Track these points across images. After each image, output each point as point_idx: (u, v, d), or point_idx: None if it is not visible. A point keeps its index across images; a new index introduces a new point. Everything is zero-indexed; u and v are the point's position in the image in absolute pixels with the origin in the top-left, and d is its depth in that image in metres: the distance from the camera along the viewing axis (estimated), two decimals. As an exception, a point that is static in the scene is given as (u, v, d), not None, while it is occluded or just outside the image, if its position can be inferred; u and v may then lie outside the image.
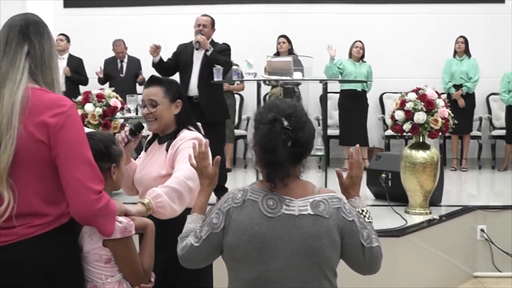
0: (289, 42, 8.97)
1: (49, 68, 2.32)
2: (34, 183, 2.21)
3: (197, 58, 6.53)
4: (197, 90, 6.46)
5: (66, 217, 2.27)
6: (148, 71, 9.35)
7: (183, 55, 6.66)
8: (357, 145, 2.50)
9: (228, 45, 6.68)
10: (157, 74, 4.66)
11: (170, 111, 3.20)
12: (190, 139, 3.01)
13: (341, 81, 8.71)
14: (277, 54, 8.83)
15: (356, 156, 2.47)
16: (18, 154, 2.17)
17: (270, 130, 2.18)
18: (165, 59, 6.66)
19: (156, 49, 6.51)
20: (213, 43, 6.57)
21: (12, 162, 2.16)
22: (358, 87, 8.86)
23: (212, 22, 6.67)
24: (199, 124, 3.32)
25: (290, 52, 8.77)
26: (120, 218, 2.39)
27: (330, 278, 2.24)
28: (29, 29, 2.30)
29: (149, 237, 2.61)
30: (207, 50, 6.39)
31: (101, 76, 9.47)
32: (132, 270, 2.48)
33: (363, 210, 2.42)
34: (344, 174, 2.49)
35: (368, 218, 2.40)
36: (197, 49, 6.50)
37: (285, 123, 2.18)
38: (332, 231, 2.19)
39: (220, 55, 6.45)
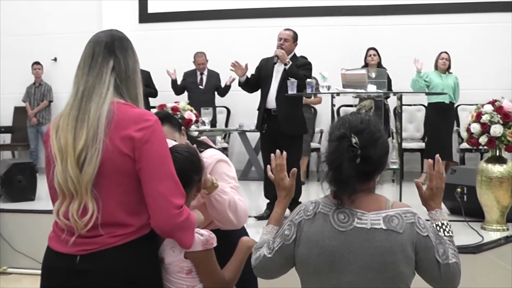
0: (379, 55, 8.94)
1: (133, 83, 2.39)
2: (117, 194, 2.27)
3: (277, 71, 6.58)
4: (275, 103, 6.50)
5: (148, 227, 2.32)
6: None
7: (264, 68, 6.72)
8: (437, 155, 2.47)
9: (308, 61, 6.70)
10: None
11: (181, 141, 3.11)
12: (217, 161, 3.00)
13: (426, 94, 8.59)
14: (366, 66, 8.82)
15: (437, 167, 2.43)
16: (103, 166, 2.23)
17: (336, 147, 2.19)
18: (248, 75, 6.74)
19: (239, 67, 6.59)
20: (294, 57, 6.62)
21: (97, 173, 2.22)
22: (446, 99, 8.63)
23: (294, 36, 6.69)
24: (204, 137, 3.40)
25: (379, 65, 8.77)
26: (202, 231, 2.44)
27: (403, 293, 2.22)
28: (114, 44, 2.37)
29: (237, 251, 2.65)
30: (285, 64, 6.43)
31: (174, 77, 9.65)
32: (212, 281, 2.51)
33: (442, 224, 2.37)
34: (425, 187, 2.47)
35: (448, 232, 2.35)
36: (275, 63, 6.56)
37: (353, 140, 2.17)
38: (406, 246, 2.16)
39: (300, 69, 6.47)
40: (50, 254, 2.36)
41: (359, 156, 2.17)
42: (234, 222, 2.85)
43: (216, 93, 9.78)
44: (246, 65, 6.65)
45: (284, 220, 2.37)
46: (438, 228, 2.34)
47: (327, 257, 2.19)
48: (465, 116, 8.72)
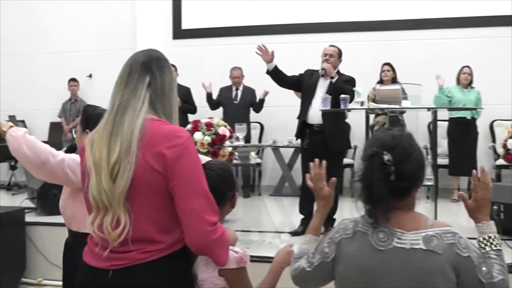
0: (393, 70, 8.89)
1: (168, 100, 2.39)
2: (147, 210, 2.27)
3: (321, 86, 6.58)
4: (320, 118, 6.48)
5: (180, 244, 2.32)
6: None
7: (307, 79, 6.71)
8: (483, 166, 2.43)
9: (352, 76, 6.68)
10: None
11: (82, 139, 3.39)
12: None
13: (450, 109, 8.47)
14: (381, 82, 8.78)
15: (483, 177, 2.37)
16: (135, 180, 2.23)
17: (368, 166, 2.18)
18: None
19: (266, 52, 6.57)
20: (338, 73, 6.62)
21: (129, 187, 2.23)
22: (467, 114, 8.58)
23: (339, 53, 6.72)
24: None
25: (394, 80, 8.69)
26: (236, 248, 2.43)
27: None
28: (151, 62, 2.39)
29: (271, 269, 2.65)
30: (332, 78, 6.42)
31: (209, 91, 9.67)
32: None
33: (489, 237, 2.28)
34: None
35: (496, 246, 2.25)
36: (322, 76, 6.55)
37: (386, 157, 2.16)
38: (445, 267, 2.12)
39: (346, 84, 6.47)
40: (85, 268, 2.37)
41: (393, 173, 2.15)
42: (31, 156, 3.10)
43: (251, 109, 9.80)
44: (273, 52, 6.60)
45: (324, 237, 2.37)
46: (485, 241, 2.26)
47: (366, 276, 2.18)
48: (500, 131, 8.62)
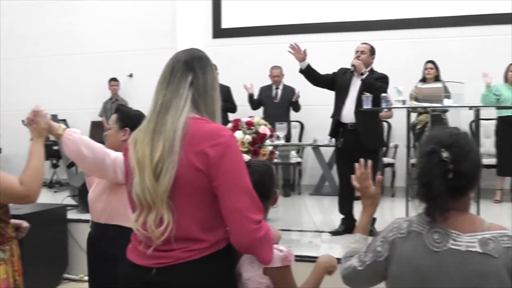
0: (437, 68, 8.77)
1: (211, 98, 2.39)
2: (190, 209, 2.27)
3: (355, 84, 6.52)
4: (353, 117, 6.43)
5: (223, 242, 2.32)
6: (304, 99, 9.53)
7: (341, 78, 6.66)
8: None
9: (385, 74, 6.60)
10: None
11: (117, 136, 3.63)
12: None
13: (498, 107, 8.31)
14: (423, 80, 8.67)
15: None
16: (178, 179, 2.23)
17: (426, 163, 2.13)
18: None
19: (298, 51, 6.52)
20: (372, 71, 6.56)
21: (172, 186, 2.23)
22: (515, 112, 8.35)
23: (371, 49, 6.65)
24: None
25: (437, 78, 8.57)
26: (281, 247, 2.42)
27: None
28: (193, 61, 2.39)
29: (314, 270, 2.63)
30: (362, 74, 6.37)
31: (251, 91, 9.69)
32: None
33: None
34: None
35: None
36: (352, 72, 6.50)
37: (444, 154, 2.11)
38: (501, 271, 2.07)
39: (377, 81, 6.41)
40: (128, 265, 2.38)
41: (451, 171, 2.11)
42: (90, 157, 3.20)
43: (291, 108, 9.78)
44: (305, 51, 6.54)
45: (376, 236, 2.33)
46: None
47: (419, 277, 2.14)
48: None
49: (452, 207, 2.14)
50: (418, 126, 8.49)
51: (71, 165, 3.69)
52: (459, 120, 8.25)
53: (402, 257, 2.18)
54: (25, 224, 3.31)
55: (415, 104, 6.53)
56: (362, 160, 2.62)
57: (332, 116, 6.68)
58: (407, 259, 2.17)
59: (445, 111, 7.96)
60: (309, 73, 6.63)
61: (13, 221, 3.16)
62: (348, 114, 6.49)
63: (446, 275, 2.11)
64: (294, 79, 8.70)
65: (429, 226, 2.17)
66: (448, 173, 2.11)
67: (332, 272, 2.64)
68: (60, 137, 3.18)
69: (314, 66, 6.64)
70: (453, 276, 2.10)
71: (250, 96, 9.75)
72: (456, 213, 2.16)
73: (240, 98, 9.77)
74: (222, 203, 2.25)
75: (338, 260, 2.62)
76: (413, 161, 7.34)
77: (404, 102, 6.41)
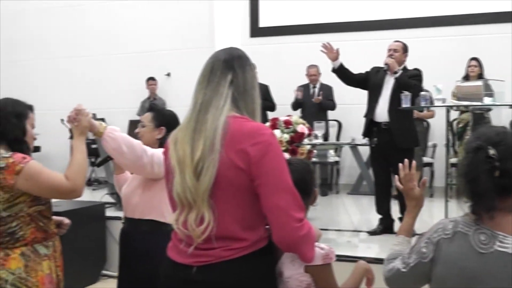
0: (481, 65, 8.64)
1: (250, 97, 2.39)
2: (231, 208, 2.26)
3: (388, 83, 6.46)
4: (387, 116, 6.37)
5: (264, 241, 2.32)
6: (340, 98, 9.50)
7: (373, 77, 6.61)
8: None
9: (419, 70, 6.52)
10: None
11: (152, 135, 3.69)
12: None
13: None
14: (467, 77, 8.56)
15: None
16: (219, 177, 2.23)
17: (472, 159, 2.11)
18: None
19: (331, 50, 6.49)
20: (405, 69, 6.49)
21: (212, 185, 2.23)
22: None
23: (404, 48, 6.58)
24: None
25: (480, 76, 8.45)
26: (322, 245, 2.42)
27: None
28: (233, 60, 2.39)
29: (354, 271, 2.62)
30: (395, 73, 6.32)
31: (300, 97, 9.67)
32: None
33: None
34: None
35: None
36: (385, 71, 6.45)
37: (491, 151, 2.08)
38: None
39: (411, 79, 6.34)
40: (168, 263, 2.39)
41: (497, 169, 2.08)
42: (129, 154, 3.26)
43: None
44: (338, 50, 6.50)
45: (420, 237, 2.30)
46: None
47: (465, 279, 2.11)
48: None
49: (499, 207, 2.10)
50: (460, 125, 8.40)
51: (100, 163, 3.75)
52: (500, 119, 8.13)
53: (448, 259, 2.15)
54: (66, 220, 3.37)
55: (453, 102, 6.44)
56: (406, 160, 2.60)
57: (366, 116, 6.63)
58: (453, 261, 2.13)
59: (488, 109, 7.84)
60: (342, 72, 6.60)
61: (54, 218, 3.20)
62: (382, 113, 6.43)
63: (492, 278, 2.07)
64: (332, 78, 8.69)
65: (475, 227, 2.13)
66: (495, 171, 2.08)
67: (371, 280, 2.62)
68: (101, 135, 3.22)
69: (347, 65, 6.61)
70: (499, 279, 2.06)
71: (297, 99, 9.73)
72: (503, 213, 2.12)
73: (279, 97, 9.78)
74: (264, 202, 2.25)
75: (377, 259, 2.60)
76: (452, 160, 7.28)
77: (444, 100, 6.33)
